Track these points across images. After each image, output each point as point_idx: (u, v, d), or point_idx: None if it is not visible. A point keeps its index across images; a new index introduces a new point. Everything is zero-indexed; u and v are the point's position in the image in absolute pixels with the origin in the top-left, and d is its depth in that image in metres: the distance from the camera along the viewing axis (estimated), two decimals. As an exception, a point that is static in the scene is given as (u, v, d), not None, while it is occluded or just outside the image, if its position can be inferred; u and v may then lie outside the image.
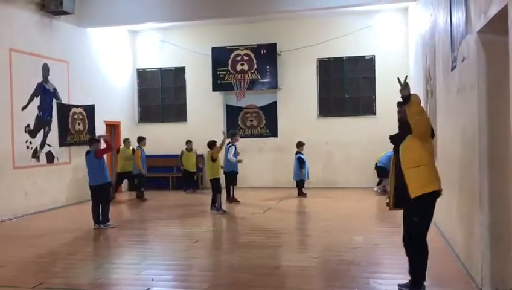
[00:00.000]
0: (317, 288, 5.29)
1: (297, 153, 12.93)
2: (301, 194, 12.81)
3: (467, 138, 5.31)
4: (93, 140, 9.35)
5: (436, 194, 4.65)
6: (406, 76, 5.03)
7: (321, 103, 15.07)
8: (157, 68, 16.12)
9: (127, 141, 13.87)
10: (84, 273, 6.11)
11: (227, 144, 11.57)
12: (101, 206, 8.95)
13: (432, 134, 4.78)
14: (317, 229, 8.77)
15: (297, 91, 15.01)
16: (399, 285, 5.01)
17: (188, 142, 14.53)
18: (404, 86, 4.65)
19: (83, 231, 8.73)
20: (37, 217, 10.67)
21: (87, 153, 9.08)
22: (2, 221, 10.00)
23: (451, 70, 6.27)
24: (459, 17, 5.61)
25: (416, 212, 4.62)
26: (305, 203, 12.03)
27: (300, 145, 12.99)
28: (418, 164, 4.59)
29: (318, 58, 14.93)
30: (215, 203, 10.58)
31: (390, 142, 5.02)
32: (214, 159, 10.70)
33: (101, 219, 8.91)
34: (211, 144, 10.90)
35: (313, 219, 9.99)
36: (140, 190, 13.05)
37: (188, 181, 14.65)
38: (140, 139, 13.34)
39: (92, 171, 8.99)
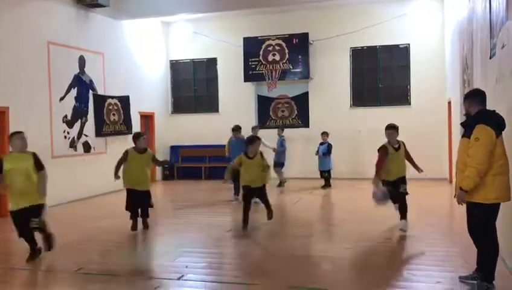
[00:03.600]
0: (350, 278, 5.27)
1: (321, 143, 12.81)
2: (328, 184, 12.73)
3: (506, 128, 5.15)
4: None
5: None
6: None
7: (354, 92, 14.89)
8: (190, 59, 16.25)
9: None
10: (119, 260, 6.27)
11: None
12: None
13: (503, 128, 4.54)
14: (348, 220, 8.71)
15: (330, 81, 14.87)
16: (460, 277, 4.93)
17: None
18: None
19: (118, 219, 8.94)
20: (75, 205, 10.99)
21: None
22: (57, 206, 10.33)
23: (490, 58, 6.08)
24: (498, 2, 5.42)
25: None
26: (335, 194, 11.96)
27: (325, 134, 12.88)
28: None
29: (351, 47, 14.73)
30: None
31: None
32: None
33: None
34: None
35: (344, 210, 9.93)
36: None
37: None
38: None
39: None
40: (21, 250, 6.38)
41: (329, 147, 12.69)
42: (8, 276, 5.75)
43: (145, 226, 8.01)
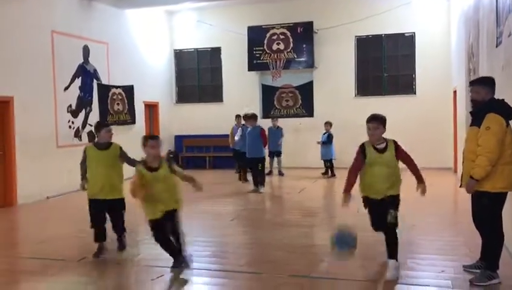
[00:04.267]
0: (352, 267, 5.28)
1: (324, 133, 12.94)
2: (331, 174, 12.74)
3: None
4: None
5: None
6: None
7: (359, 81, 14.81)
8: (194, 49, 16.20)
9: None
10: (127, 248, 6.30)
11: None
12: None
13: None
14: (351, 209, 8.70)
15: (334, 70, 14.79)
16: (464, 266, 4.95)
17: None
18: None
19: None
20: (80, 194, 11.00)
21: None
22: (47, 197, 10.41)
23: (496, 46, 6.02)
24: (505, -10, 5.36)
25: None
26: (339, 183, 11.94)
27: (327, 124, 12.99)
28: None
29: (356, 36, 14.63)
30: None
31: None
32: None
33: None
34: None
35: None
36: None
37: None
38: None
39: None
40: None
41: (329, 136, 12.78)
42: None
43: (121, 246, 6.07)
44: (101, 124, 6.07)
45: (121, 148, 6.00)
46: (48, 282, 5.20)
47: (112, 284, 5.23)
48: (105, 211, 5.99)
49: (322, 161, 13.01)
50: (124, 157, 5.98)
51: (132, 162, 5.71)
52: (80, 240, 6.72)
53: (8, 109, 9.67)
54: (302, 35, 14.80)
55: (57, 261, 5.81)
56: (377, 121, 4.91)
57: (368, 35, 14.58)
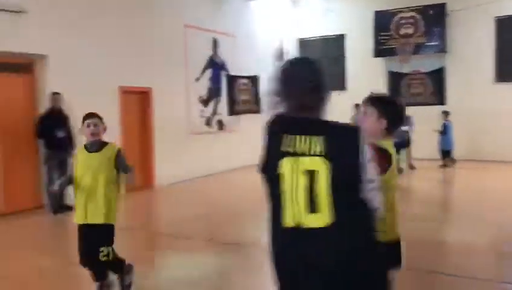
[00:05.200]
0: (485, 270, 4.90)
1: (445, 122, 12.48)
2: (448, 164, 12.32)
3: None
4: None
5: None
6: None
7: (499, 66, 13.52)
8: (318, 37, 16.12)
9: None
10: (247, 231, 6.58)
11: None
12: None
13: None
14: (485, 205, 8.05)
15: (469, 54, 13.68)
16: None
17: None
18: None
19: (248, 193, 9.34)
20: (209, 179, 11.71)
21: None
22: (193, 180, 11.23)
23: None
24: None
25: None
26: (476, 175, 11.10)
27: (444, 114, 12.58)
28: None
29: (495, 17, 13.35)
30: None
31: None
32: None
33: None
34: None
35: (483, 193, 9.17)
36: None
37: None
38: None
39: None
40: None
41: (444, 126, 12.18)
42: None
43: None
44: (85, 116, 4.12)
45: (117, 150, 4.08)
46: (180, 258, 5.64)
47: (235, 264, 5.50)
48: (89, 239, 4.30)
49: (445, 151, 12.57)
50: (118, 162, 4.04)
51: (127, 169, 4.09)
52: (207, 222, 7.16)
53: (147, 99, 10.59)
54: (433, 18, 13.91)
55: (187, 240, 6.26)
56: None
57: (510, 16, 13.21)
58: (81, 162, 4.02)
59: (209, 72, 12.47)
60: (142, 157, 10.48)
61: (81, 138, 4.72)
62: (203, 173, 11.78)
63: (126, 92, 9.95)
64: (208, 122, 12.42)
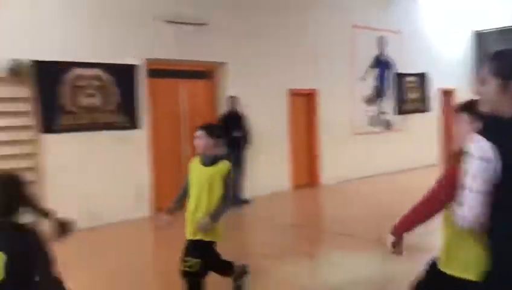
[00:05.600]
0: None
1: None
2: None
3: None
4: None
5: None
6: None
7: None
8: (498, 28, 14.69)
9: None
10: (415, 235, 6.38)
11: None
12: None
13: None
14: None
15: None
16: None
17: None
18: None
19: (417, 196, 9.04)
20: (374, 179, 11.52)
21: None
22: (359, 179, 11.33)
23: None
24: None
25: None
26: None
27: None
28: None
29: None
30: None
31: None
32: None
33: None
34: None
35: None
36: None
37: None
38: None
39: None
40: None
41: None
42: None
43: None
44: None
45: (228, 169, 3.90)
46: (349, 257, 5.77)
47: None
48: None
49: None
50: (225, 183, 3.87)
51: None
52: (373, 223, 7.16)
53: (313, 100, 10.93)
54: None
55: (351, 237, 6.36)
56: None
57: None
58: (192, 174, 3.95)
59: (374, 71, 12.33)
60: (308, 155, 10.88)
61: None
62: (368, 173, 11.69)
63: (294, 94, 10.43)
64: (373, 122, 12.30)
